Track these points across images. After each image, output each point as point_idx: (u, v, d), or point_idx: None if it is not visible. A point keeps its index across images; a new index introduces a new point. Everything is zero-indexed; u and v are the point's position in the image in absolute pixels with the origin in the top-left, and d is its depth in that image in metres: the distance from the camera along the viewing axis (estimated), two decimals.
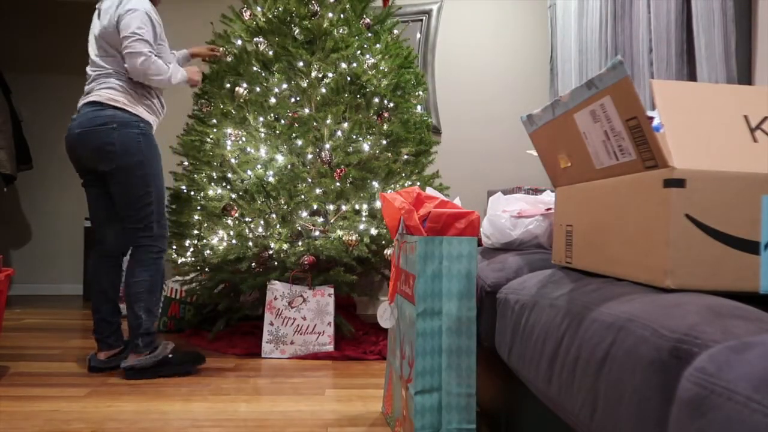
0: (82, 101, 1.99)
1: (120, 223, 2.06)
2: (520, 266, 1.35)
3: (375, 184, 2.52)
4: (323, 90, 2.53)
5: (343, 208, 2.48)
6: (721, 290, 0.77)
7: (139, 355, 1.95)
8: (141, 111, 1.99)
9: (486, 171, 3.44)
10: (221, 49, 2.54)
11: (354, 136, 2.54)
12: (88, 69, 2.01)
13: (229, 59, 2.66)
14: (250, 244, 2.42)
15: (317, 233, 2.40)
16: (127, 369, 1.93)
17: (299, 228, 2.42)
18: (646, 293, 0.79)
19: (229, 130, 2.53)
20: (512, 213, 1.49)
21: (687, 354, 0.59)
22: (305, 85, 2.56)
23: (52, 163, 4.26)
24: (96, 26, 1.99)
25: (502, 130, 3.46)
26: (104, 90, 1.95)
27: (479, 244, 1.55)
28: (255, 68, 2.63)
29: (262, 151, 2.49)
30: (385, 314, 1.50)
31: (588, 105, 0.92)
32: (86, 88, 2.00)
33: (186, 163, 2.72)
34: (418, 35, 3.42)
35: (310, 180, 2.46)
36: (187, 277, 2.69)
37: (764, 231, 0.78)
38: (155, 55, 1.95)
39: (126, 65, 1.92)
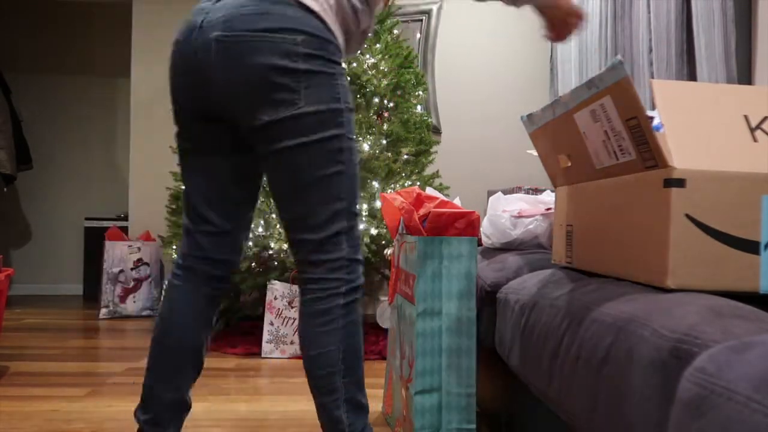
0: None
1: (248, 227, 1.17)
2: (520, 266, 1.34)
3: (375, 184, 2.52)
4: None
5: None
6: (722, 290, 0.77)
7: None
8: (340, 36, 1.05)
9: (486, 171, 3.44)
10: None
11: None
12: None
13: None
14: (250, 243, 2.42)
15: None
16: None
17: None
18: (646, 293, 0.79)
19: None
20: (512, 213, 1.49)
21: (687, 354, 0.59)
22: None
23: (52, 163, 4.26)
24: None
25: (502, 130, 3.46)
26: None
27: (479, 244, 1.55)
28: None
29: None
30: (384, 314, 1.50)
31: (588, 105, 0.92)
32: None
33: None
34: (418, 35, 3.41)
35: None
36: None
37: (764, 231, 0.78)
38: None
39: None
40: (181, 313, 1.15)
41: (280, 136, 0.98)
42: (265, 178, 1.09)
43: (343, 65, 1.04)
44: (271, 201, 2.44)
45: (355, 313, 1.08)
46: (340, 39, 1.04)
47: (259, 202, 2.42)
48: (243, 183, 1.12)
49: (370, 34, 1.21)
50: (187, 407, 1.14)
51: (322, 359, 1.05)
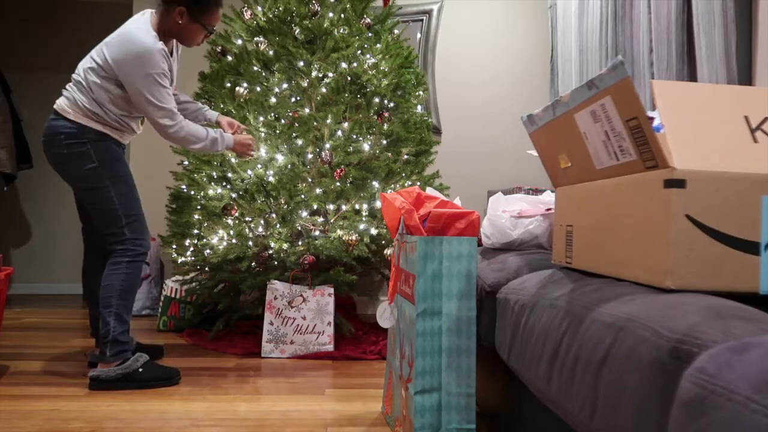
0: None
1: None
2: (520, 266, 1.35)
3: (375, 183, 2.52)
4: (323, 90, 2.53)
5: (343, 207, 2.49)
6: (721, 291, 0.77)
7: (107, 365, 1.83)
8: (93, 123, 1.89)
9: (486, 171, 3.44)
10: (253, 154, 2.19)
11: (354, 136, 2.54)
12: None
13: (229, 58, 2.66)
14: (250, 243, 2.42)
15: (317, 233, 2.40)
16: (92, 379, 1.81)
17: (299, 228, 2.42)
18: (647, 293, 0.79)
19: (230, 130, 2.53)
20: (512, 213, 1.49)
21: (687, 354, 0.59)
22: (305, 84, 2.56)
23: None
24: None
25: (502, 130, 3.46)
26: (61, 99, 1.95)
27: (479, 244, 1.55)
28: (255, 68, 2.63)
29: (263, 151, 2.49)
30: (384, 314, 1.50)
31: (588, 105, 0.92)
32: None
33: (186, 163, 2.72)
34: (419, 35, 3.41)
35: (310, 180, 2.46)
36: (187, 277, 2.69)
37: (764, 231, 0.78)
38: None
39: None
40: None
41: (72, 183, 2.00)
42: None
43: (100, 133, 1.91)
44: (271, 201, 2.44)
45: (135, 267, 1.93)
46: (94, 124, 1.91)
47: (259, 202, 2.43)
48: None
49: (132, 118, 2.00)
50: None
51: (106, 288, 1.88)
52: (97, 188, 1.90)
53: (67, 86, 1.96)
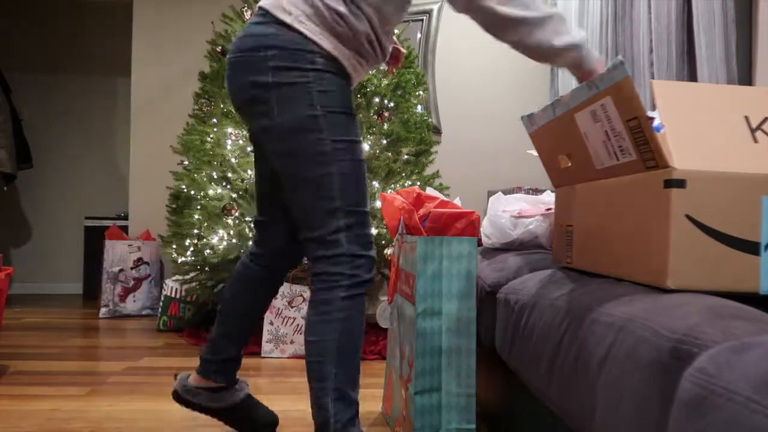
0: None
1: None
2: (520, 266, 1.35)
3: (375, 183, 2.52)
4: None
5: None
6: (722, 291, 0.77)
7: None
8: (326, 40, 1.10)
9: (486, 171, 3.44)
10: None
11: None
12: None
13: None
14: (250, 243, 2.42)
15: None
16: None
17: None
18: (647, 294, 0.79)
19: (230, 130, 2.53)
20: (512, 213, 1.49)
21: (687, 354, 0.59)
22: None
23: (52, 161, 4.26)
24: None
25: (502, 130, 3.46)
26: None
27: (479, 244, 1.55)
28: None
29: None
30: (384, 314, 1.50)
31: (589, 105, 0.92)
32: None
33: (186, 163, 2.72)
34: (419, 35, 3.41)
35: None
36: (187, 276, 2.69)
37: (764, 232, 0.78)
38: None
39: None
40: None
41: (267, 142, 1.13)
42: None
43: (332, 69, 1.11)
44: None
45: (357, 308, 1.14)
46: (327, 44, 1.10)
47: None
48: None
49: (386, 45, 1.20)
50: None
51: (316, 346, 1.12)
52: (314, 158, 1.10)
53: None
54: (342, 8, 1.09)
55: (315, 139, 1.09)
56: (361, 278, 1.13)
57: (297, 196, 1.12)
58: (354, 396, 1.13)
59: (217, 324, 1.40)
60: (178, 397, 1.35)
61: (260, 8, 1.13)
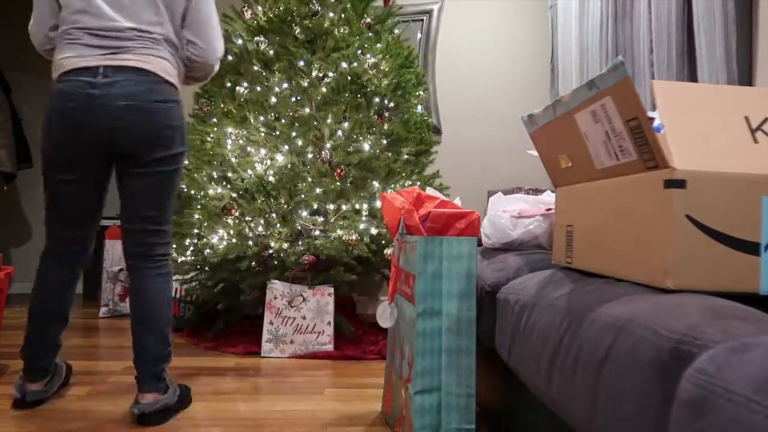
0: (105, 61, 1.46)
1: (95, 227, 1.72)
2: (520, 266, 1.35)
3: (375, 183, 2.52)
4: (324, 89, 2.53)
5: (344, 207, 2.49)
6: (722, 291, 0.77)
7: (162, 393, 1.56)
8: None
9: (486, 171, 3.44)
10: None
11: (354, 136, 2.54)
12: (109, 23, 1.49)
13: (230, 58, 2.66)
14: (251, 243, 2.42)
15: (317, 233, 2.40)
16: (153, 413, 1.51)
17: (299, 227, 2.42)
18: (647, 294, 0.79)
19: (230, 130, 2.53)
20: (512, 213, 1.49)
21: (687, 355, 0.59)
22: (306, 84, 2.56)
23: None
24: None
25: (502, 130, 3.46)
26: (155, 59, 1.52)
27: (479, 244, 1.55)
28: (256, 67, 2.63)
29: (263, 151, 2.49)
30: (384, 314, 1.50)
31: (589, 105, 0.92)
32: (108, 43, 1.48)
33: (186, 162, 2.72)
34: (419, 35, 3.41)
35: (310, 179, 2.46)
36: (187, 276, 2.69)
37: (764, 232, 0.78)
38: None
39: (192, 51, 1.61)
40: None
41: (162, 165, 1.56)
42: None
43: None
44: (272, 200, 2.44)
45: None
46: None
47: (259, 201, 2.43)
48: (100, 197, 1.68)
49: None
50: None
51: (161, 302, 1.69)
52: (177, 174, 1.62)
53: (135, 37, 1.50)
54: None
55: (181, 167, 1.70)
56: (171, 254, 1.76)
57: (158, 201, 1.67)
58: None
59: None
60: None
61: None
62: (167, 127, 1.51)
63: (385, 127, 2.59)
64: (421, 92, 2.85)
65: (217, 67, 1.68)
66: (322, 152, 2.44)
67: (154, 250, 1.66)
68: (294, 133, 2.46)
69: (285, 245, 2.36)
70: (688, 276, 0.77)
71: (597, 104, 0.89)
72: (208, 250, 2.48)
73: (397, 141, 2.64)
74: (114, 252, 3.14)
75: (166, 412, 1.54)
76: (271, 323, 2.31)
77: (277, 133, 2.51)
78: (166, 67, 1.53)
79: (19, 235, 4.25)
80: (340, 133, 2.52)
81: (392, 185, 2.56)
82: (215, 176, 2.58)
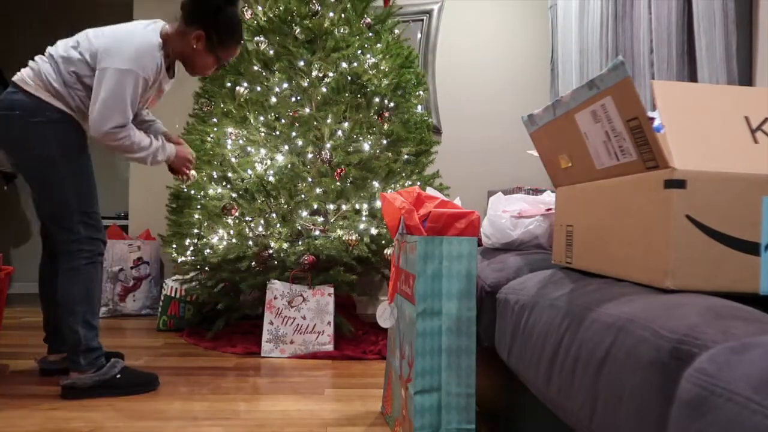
0: None
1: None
2: (520, 266, 1.35)
3: (375, 183, 2.52)
4: (324, 89, 2.53)
5: (344, 207, 2.49)
6: (722, 291, 0.77)
7: (82, 373, 1.72)
8: (54, 100, 1.67)
9: (486, 171, 3.44)
10: (192, 173, 2.02)
11: (354, 136, 2.54)
12: None
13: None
14: (250, 243, 2.42)
15: (317, 233, 2.40)
16: (67, 387, 1.71)
17: (299, 227, 2.43)
18: (647, 294, 0.79)
19: (230, 130, 2.53)
20: (512, 213, 1.49)
21: (687, 355, 0.59)
22: (306, 84, 2.56)
23: None
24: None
25: (502, 130, 3.46)
26: (24, 69, 1.70)
27: (479, 244, 1.55)
28: (256, 67, 2.63)
29: (263, 151, 2.49)
30: (384, 314, 1.50)
31: (589, 105, 0.92)
32: None
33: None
34: (419, 35, 3.41)
35: (310, 179, 2.46)
36: (187, 276, 2.69)
37: (764, 232, 0.78)
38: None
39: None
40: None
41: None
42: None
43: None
44: (272, 200, 2.44)
45: (95, 269, 1.76)
46: (55, 102, 1.68)
47: (259, 201, 2.43)
48: None
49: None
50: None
51: (66, 297, 1.72)
52: (52, 181, 1.69)
53: (35, 57, 1.71)
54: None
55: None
56: (96, 251, 1.77)
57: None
58: (95, 323, 1.76)
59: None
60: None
61: None
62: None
63: (385, 127, 2.59)
64: (421, 92, 2.85)
65: (105, 139, 1.67)
66: (322, 152, 2.44)
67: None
68: (294, 133, 2.46)
69: (285, 245, 2.36)
70: (688, 276, 0.77)
71: (597, 104, 0.89)
72: (208, 250, 2.48)
73: (397, 141, 2.64)
74: (114, 251, 3.14)
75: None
76: (271, 323, 2.31)
77: (277, 133, 2.51)
78: (23, 76, 1.70)
79: (19, 236, 4.25)
80: (340, 133, 2.52)
81: (392, 185, 2.56)
82: (215, 176, 2.58)
